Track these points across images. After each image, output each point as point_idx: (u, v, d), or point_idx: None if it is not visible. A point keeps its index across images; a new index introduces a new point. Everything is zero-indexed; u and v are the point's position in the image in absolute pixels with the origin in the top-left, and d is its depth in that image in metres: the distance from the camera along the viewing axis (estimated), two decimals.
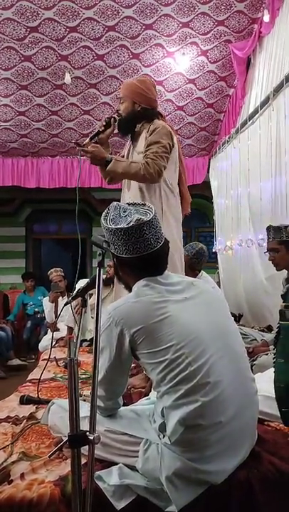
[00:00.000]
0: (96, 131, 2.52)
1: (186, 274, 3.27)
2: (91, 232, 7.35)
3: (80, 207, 7.28)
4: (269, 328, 3.64)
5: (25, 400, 2.29)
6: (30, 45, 4.11)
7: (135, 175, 2.36)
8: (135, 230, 1.46)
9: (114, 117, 2.54)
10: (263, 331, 3.59)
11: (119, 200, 1.66)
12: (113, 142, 4.22)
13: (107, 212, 1.56)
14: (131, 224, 1.46)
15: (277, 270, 2.89)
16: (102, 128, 2.52)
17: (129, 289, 1.60)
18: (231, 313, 4.04)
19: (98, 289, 1.30)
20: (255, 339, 3.29)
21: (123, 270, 1.60)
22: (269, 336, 3.13)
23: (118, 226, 1.47)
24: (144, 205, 1.59)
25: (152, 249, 1.49)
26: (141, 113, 2.53)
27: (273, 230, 2.80)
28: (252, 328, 3.79)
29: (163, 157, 2.36)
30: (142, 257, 1.49)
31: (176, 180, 2.56)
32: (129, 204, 1.60)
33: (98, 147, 2.43)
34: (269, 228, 2.84)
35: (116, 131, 2.61)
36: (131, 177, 2.43)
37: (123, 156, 2.66)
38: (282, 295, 2.69)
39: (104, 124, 2.53)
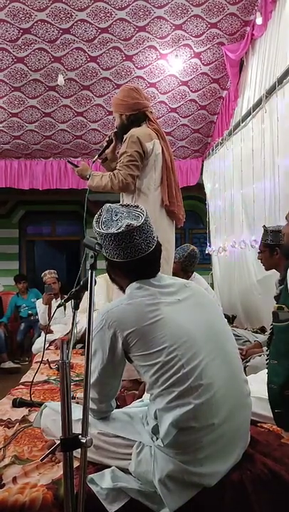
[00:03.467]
0: (102, 148, 2.80)
1: (178, 277, 3.31)
2: (85, 233, 7.34)
3: (74, 208, 7.29)
4: (262, 330, 3.65)
5: (17, 403, 2.28)
6: (23, 46, 4.09)
7: (105, 187, 2.54)
8: (125, 235, 1.45)
9: (115, 133, 2.74)
10: (256, 332, 3.60)
11: (113, 202, 1.66)
12: None
13: (100, 215, 1.55)
14: (121, 229, 1.45)
15: (265, 270, 2.94)
16: (106, 144, 2.77)
17: (123, 291, 1.60)
18: (225, 314, 4.06)
19: (90, 292, 1.30)
20: (249, 340, 3.30)
21: (115, 273, 1.60)
22: (262, 337, 3.14)
23: (108, 231, 1.47)
24: (137, 207, 1.58)
25: (143, 254, 1.48)
26: (128, 120, 2.64)
27: (264, 232, 2.85)
28: (245, 329, 3.80)
29: (129, 166, 2.47)
30: (133, 261, 1.49)
31: (150, 184, 2.58)
32: (122, 205, 1.59)
33: (84, 165, 2.74)
34: (263, 228, 2.88)
35: None
36: (104, 189, 2.58)
37: None
38: (275, 296, 2.69)
39: (107, 140, 2.76)
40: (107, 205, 1.58)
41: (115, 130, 2.75)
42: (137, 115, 2.63)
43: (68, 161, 2.79)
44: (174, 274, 3.20)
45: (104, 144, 2.78)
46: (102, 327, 1.44)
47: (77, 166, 2.74)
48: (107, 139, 2.79)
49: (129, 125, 2.63)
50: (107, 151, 2.79)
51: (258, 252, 2.95)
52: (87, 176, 2.65)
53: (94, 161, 2.85)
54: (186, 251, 3.59)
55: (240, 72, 4.38)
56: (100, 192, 2.64)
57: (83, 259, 1.39)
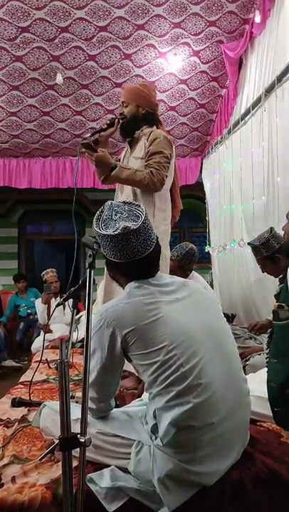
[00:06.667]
0: (99, 128, 2.57)
1: (176, 275, 3.33)
2: (84, 232, 7.34)
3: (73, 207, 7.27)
4: None
5: (17, 403, 2.27)
6: (21, 45, 4.08)
7: (139, 183, 2.43)
8: (121, 237, 1.45)
9: (118, 119, 2.60)
10: None
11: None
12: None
13: (101, 212, 1.54)
14: (117, 232, 1.44)
15: (275, 277, 2.89)
16: (105, 126, 2.57)
17: (123, 287, 1.59)
18: (224, 313, 4.05)
19: (89, 291, 1.29)
20: (250, 338, 3.29)
21: (113, 271, 1.60)
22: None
23: (105, 232, 1.46)
24: (139, 206, 1.56)
25: (140, 256, 1.48)
26: (144, 116, 2.61)
27: (254, 249, 2.83)
28: (245, 328, 3.79)
29: (165, 167, 2.46)
30: (130, 263, 1.49)
31: (168, 186, 2.61)
32: (124, 203, 1.58)
33: (105, 152, 2.49)
34: (250, 246, 2.87)
35: (117, 134, 2.70)
36: (134, 184, 2.48)
37: (118, 160, 2.71)
38: (275, 295, 2.69)
39: (107, 122, 2.58)
40: (109, 202, 1.58)
41: (120, 117, 2.61)
42: (153, 115, 2.64)
43: (86, 143, 2.48)
44: (172, 272, 3.20)
45: (104, 126, 2.58)
46: (100, 326, 1.44)
47: (95, 150, 2.47)
48: (107, 121, 2.60)
49: (141, 120, 2.60)
50: (103, 133, 2.59)
51: (261, 268, 2.92)
52: (112, 165, 2.44)
53: (83, 139, 2.53)
54: (185, 249, 3.57)
55: (240, 70, 4.36)
56: (104, 188, 2.58)
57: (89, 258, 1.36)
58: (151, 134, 2.54)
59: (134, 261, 1.48)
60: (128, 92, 2.65)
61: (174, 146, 2.60)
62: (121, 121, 2.61)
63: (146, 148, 2.52)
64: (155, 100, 2.66)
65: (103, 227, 1.49)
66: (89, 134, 2.55)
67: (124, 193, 2.60)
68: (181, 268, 3.54)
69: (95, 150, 2.49)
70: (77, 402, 1.79)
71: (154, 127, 2.62)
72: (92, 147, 2.51)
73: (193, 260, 3.61)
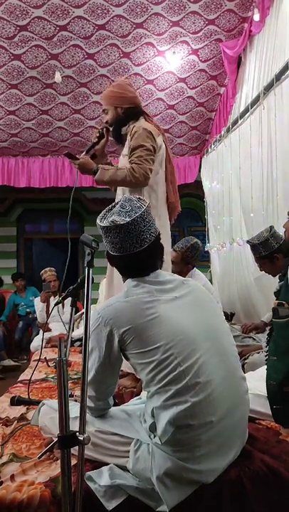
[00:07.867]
0: (91, 143, 2.57)
1: (179, 268, 3.32)
2: (83, 231, 7.34)
3: (72, 206, 7.28)
4: None
5: (16, 401, 2.28)
6: (19, 43, 4.08)
7: (122, 181, 2.40)
8: (109, 230, 1.47)
9: (106, 128, 2.58)
10: None
11: (111, 200, 1.65)
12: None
13: (115, 204, 1.54)
14: (104, 224, 1.47)
15: (273, 276, 2.88)
16: (96, 140, 2.57)
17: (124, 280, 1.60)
18: (223, 311, 4.03)
19: (87, 290, 1.29)
20: (250, 337, 3.29)
21: (111, 263, 1.61)
22: (268, 316, 3.08)
23: (98, 222, 1.49)
24: (143, 201, 1.54)
25: (131, 252, 1.47)
26: (125, 114, 2.55)
27: (253, 248, 2.82)
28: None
29: (148, 160, 2.37)
30: (121, 257, 1.50)
31: (159, 180, 2.54)
32: (138, 199, 1.56)
33: (86, 158, 2.51)
34: (249, 244, 2.86)
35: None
36: (119, 183, 2.47)
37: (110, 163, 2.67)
38: (275, 292, 2.68)
39: (97, 135, 2.57)
40: (125, 196, 1.59)
41: (105, 125, 2.59)
42: (135, 109, 2.56)
43: (67, 153, 2.54)
44: (174, 263, 3.19)
45: (95, 139, 2.59)
46: (98, 325, 1.44)
47: (76, 158, 2.51)
48: (97, 134, 2.59)
49: (125, 118, 2.54)
50: (97, 147, 2.60)
51: (259, 267, 2.91)
52: (94, 170, 2.46)
53: (67, 152, 2.57)
54: (190, 242, 3.56)
55: (238, 68, 4.36)
56: (104, 187, 2.52)
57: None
58: (133, 128, 2.47)
59: (126, 256, 1.49)
60: (104, 99, 2.62)
61: (160, 137, 2.51)
62: (110, 129, 2.60)
63: (129, 143, 2.47)
64: (132, 93, 2.57)
65: (102, 218, 1.50)
66: (84, 153, 2.54)
67: (118, 192, 2.59)
68: (184, 260, 3.51)
69: (77, 158, 2.50)
70: (76, 401, 1.80)
71: (139, 121, 2.54)
72: (74, 156, 2.51)
73: (196, 254, 3.59)
